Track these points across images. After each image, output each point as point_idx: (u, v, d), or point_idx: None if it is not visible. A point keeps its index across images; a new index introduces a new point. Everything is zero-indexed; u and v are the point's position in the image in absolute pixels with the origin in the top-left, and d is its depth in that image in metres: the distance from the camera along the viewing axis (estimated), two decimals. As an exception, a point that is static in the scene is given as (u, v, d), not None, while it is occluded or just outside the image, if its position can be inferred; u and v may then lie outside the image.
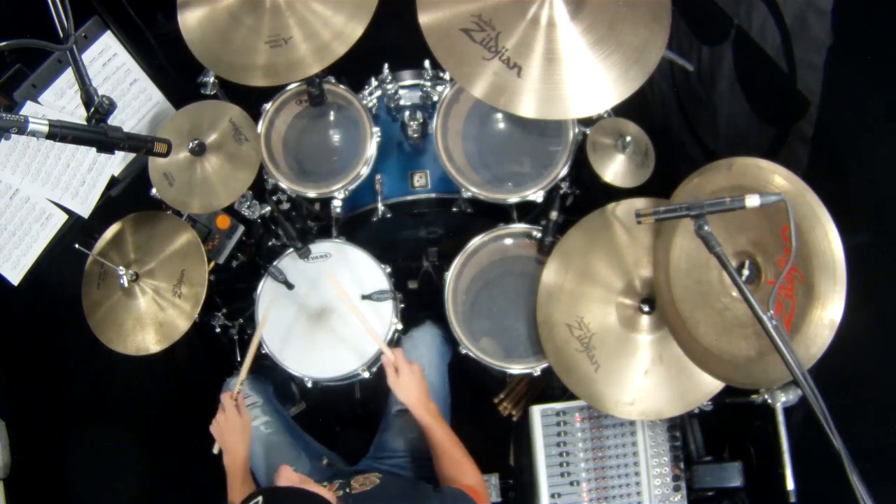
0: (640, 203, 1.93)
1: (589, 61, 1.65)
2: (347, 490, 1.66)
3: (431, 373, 2.11)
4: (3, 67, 1.92)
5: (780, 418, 1.70)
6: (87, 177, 2.06)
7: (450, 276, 2.14)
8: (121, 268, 2.01)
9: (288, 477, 1.42)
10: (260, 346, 2.18)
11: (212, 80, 2.05)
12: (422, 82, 2.29)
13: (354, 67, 2.08)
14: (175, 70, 2.43)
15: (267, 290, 2.19)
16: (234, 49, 1.88)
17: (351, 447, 2.31)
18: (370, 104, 2.22)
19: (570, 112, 1.67)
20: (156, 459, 2.53)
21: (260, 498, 1.26)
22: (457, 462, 1.80)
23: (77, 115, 1.99)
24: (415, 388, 1.86)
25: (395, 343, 2.22)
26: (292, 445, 2.15)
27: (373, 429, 2.27)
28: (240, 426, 1.88)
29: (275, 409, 2.23)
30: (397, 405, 2.11)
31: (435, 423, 1.84)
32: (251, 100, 2.13)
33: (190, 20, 1.92)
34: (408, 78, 2.33)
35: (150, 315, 2.04)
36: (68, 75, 1.97)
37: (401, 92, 2.29)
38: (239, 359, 2.53)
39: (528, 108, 1.65)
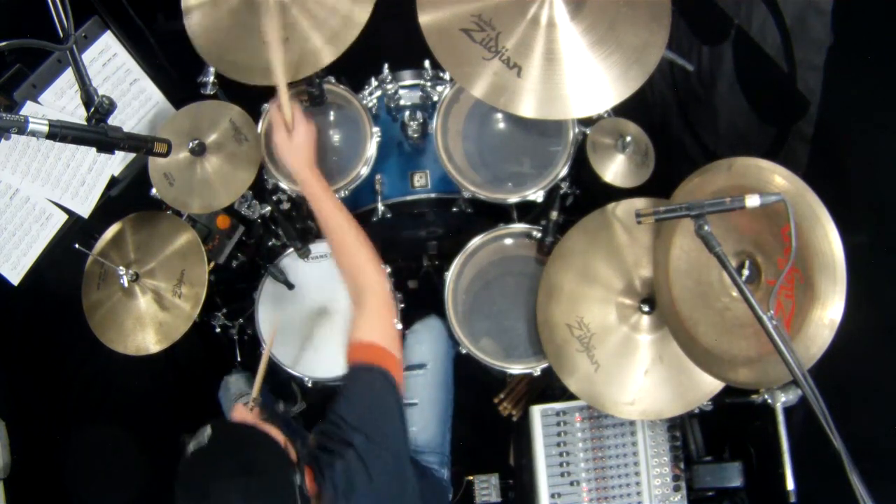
0: (640, 203, 1.93)
1: (589, 61, 1.65)
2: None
3: (437, 367, 2.11)
4: (3, 67, 1.92)
5: (780, 418, 1.70)
6: (87, 177, 2.06)
7: (450, 276, 2.14)
8: (121, 268, 2.01)
9: (241, 414, 1.43)
10: (260, 345, 2.18)
11: (212, 79, 2.05)
12: (422, 82, 2.29)
13: (354, 67, 2.08)
14: (175, 70, 2.43)
15: (269, 305, 2.16)
16: (246, 49, 1.87)
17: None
18: (370, 104, 2.22)
19: (570, 112, 1.67)
20: (156, 459, 2.52)
21: (208, 427, 1.26)
22: (352, 254, 1.66)
23: (77, 115, 1.99)
24: (307, 148, 1.72)
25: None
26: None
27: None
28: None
29: (271, 407, 2.23)
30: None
31: (322, 192, 1.69)
32: (251, 100, 2.13)
33: (195, 19, 1.92)
34: (408, 78, 2.33)
35: (150, 315, 2.04)
36: (68, 75, 1.97)
37: (401, 92, 2.29)
38: (239, 358, 2.53)
39: (528, 108, 1.65)
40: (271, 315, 2.20)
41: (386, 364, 1.49)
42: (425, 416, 2.06)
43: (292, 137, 1.74)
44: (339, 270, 1.69)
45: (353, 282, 1.65)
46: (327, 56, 1.81)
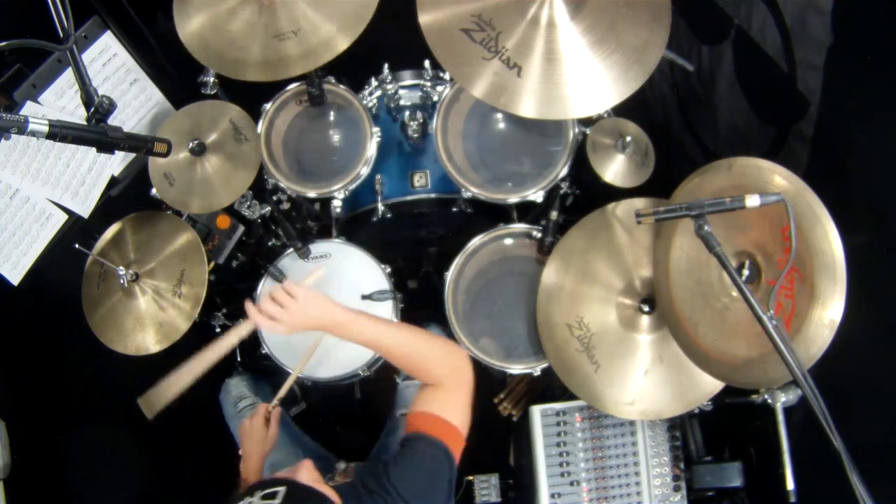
0: (640, 203, 1.93)
1: (589, 61, 1.65)
2: (330, 483, 1.62)
3: None
4: (3, 67, 1.92)
5: (780, 418, 1.70)
6: (87, 177, 2.06)
7: (450, 276, 2.14)
8: (121, 268, 2.01)
9: (309, 473, 1.37)
10: (260, 345, 2.18)
11: (212, 79, 2.05)
12: (422, 82, 2.29)
13: (354, 67, 2.08)
14: (175, 70, 2.43)
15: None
16: (260, 48, 1.88)
17: (351, 447, 2.31)
18: (370, 104, 2.22)
19: (571, 112, 1.67)
20: (156, 459, 2.52)
21: (283, 489, 1.23)
22: (428, 359, 1.53)
23: (77, 115, 1.99)
24: (324, 303, 1.49)
25: None
26: (290, 445, 2.15)
27: (373, 429, 2.27)
28: (260, 437, 1.83)
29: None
30: (402, 408, 2.10)
31: (370, 321, 1.50)
32: (251, 100, 2.13)
33: (186, 18, 1.92)
34: (408, 78, 2.33)
35: (150, 315, 2.04)
36: (68, 75, 1.97)
37: (401, 92, 2.29)
38: (239, 359, 2.53)
39: (528, 108, 1.65)
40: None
41: (453, 445, 1.46)
42: None
43: (297, 302, 1.51)
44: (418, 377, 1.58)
45: (435, 374, 1.54)
46: (342, 42, 1.81)
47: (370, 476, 1.43)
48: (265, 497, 1.21)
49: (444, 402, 1.49)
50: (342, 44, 1.81)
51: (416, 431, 1.46)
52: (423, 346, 1.54)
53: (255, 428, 1.84)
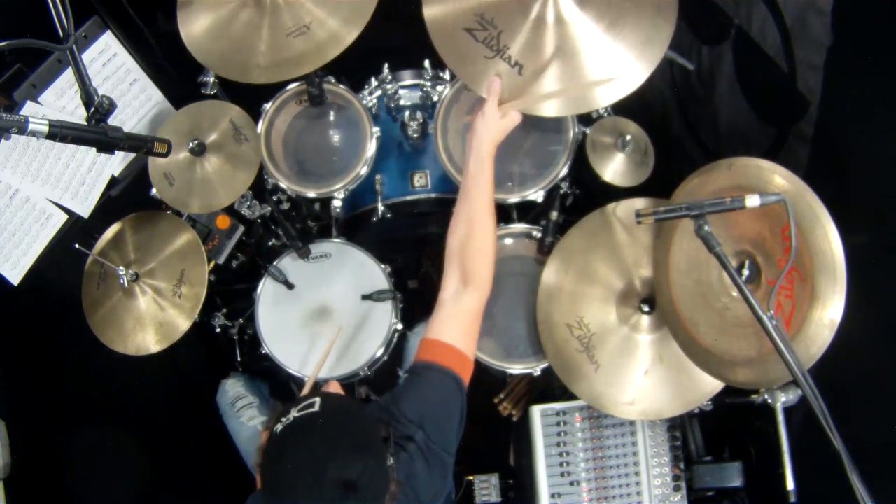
0: (640, 203, 1.93)
1: (589, 59, 1.65)
2: None
3: None
4: (3, 67, 1.92)
5: (780, 418, 1.70)
6: (87, 177, 2.06)
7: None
8: (121, 268, 2.01)
9: (336, 388, 1.47)
10: (260, 345, 2.18)
11: (212, 79, 2.05)
12: (422, 82, 2.29)
13: (354, 67, 2.08)
14: (175, 70, 2.42)
15: (269, 305, 2.17)
16: (267, 49, 1.88)
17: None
18: (370, 104, 2.22)
19: (598, 102, 1.67)
20: (156, 459, 2.52)
21: (318, 399, 1.28)
22: (485, 231, 1.62)
23: (77, 115, 1.99)
24: (502, 133, 1.66)
25: (400, 341, 2.21)
26: None
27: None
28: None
29: (271, 408, 2.23)
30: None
31: (490, 172, 1.64)
32: (251, 100, 2.13)
33: (189, 20, 1.92)
34: (408, 78, 2.33)
35: (150, 315, 2.04)
36: (68, 75, 1.97)
37: (401, 92, 2.29)
38: (238, 358, 2.53)
39: (549, 107, 1.66)
40: (271, 315, 2.20)
41: (462, 371, 1.53)
42: None
43: (501, 119, 1.65)
44: (458, 240, 1.64)
45: (469, 258, 1.61)
46: (350, 35, 1.80)
47: (378, 408, 1.49)
48: (302, 409, 1.26)
49: (457, 328, 1.57)
50: (350, 36, 1.80)
51: (427, 360, 1.52)
52: (491, 215, 1.63)
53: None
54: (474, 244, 1.62)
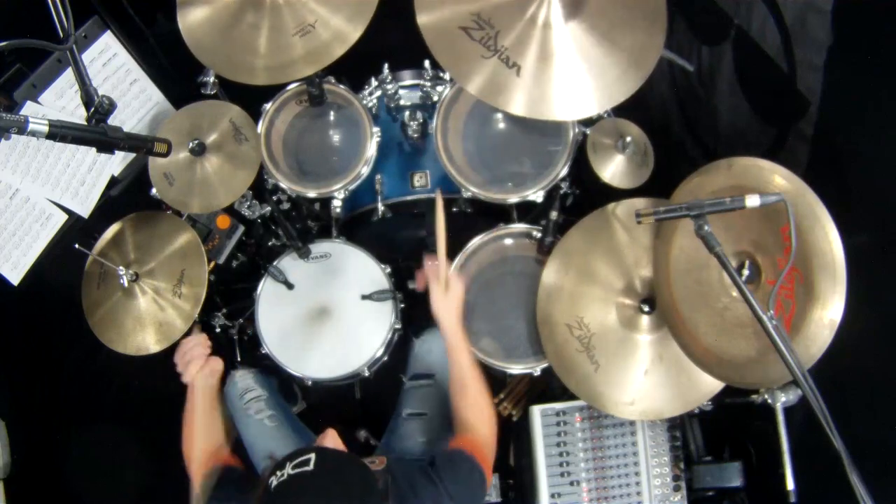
0: (640, 203, 1.93)
1: (582, 63, 1.66)
2: None
3: (445, 378, 2.10)
4: (3, 67, 1.92)
5: (780, 418, 1.70)
6: (87, 177, 2.06)
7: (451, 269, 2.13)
8: (121, 268, 2.01)
9: (334, 440, 1.47)
10: (260, 345, 2.18)
11: (212, 79, 2.05)
12: (422, 82, 2.29)
13: (354, 67, 2.07)
14: (175, 70, 2.43)
15: (269, 305, 2.20)
16: (237, 48, 1.87)
17: (351, 448, 2.31)
18: (370, 104, 2.22)
19: (555, 114, 1.67)
20: (156, 459, 2.52)
21: (312, 456, 1.28)
22: (473, 401, 1.77)
23: (77, 115, 1.99)
24: (456, 306, 1.85)
25: (404, 344, 2.21)
26: (295, 440, 2.15)
27: (373, 429, 2.26)
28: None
29: (278, 403, 2.22)
30: (408, 409, 2.10)
31: (463, 346, 1.82)
32: (251, 100, 2.13)
33: (190, 21, 1.92)
34: (408, 78, 2.33)
35: (150, 315, 2.04)
36: (68, 75, 1.97)
37: (401, 92, 2.29)
38: (238, 358, 2.53)
39: (524, 107, 1.65)
40: (271, 315, 2.19)
41: (486, 472, 1.61)
42: (434, 428, 2.06)
43: (448, 293, 1.85)
44: (453, 413, 1.80)
45: (464, 420, 1.76)
46: (353, 35, 1.81)
47: (418, 472, 1.55)
48: (297, 466, 1.26)
49: (481, 441, 1.69)
50: (354, 34, 1.80)
51: (464, 451, 1.61)
52: (478, 391, 1.78)
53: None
54: (461, 406, 1.77)
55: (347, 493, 1.26)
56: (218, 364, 1.94)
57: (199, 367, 1.89)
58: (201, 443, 1.83)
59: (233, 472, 1.76)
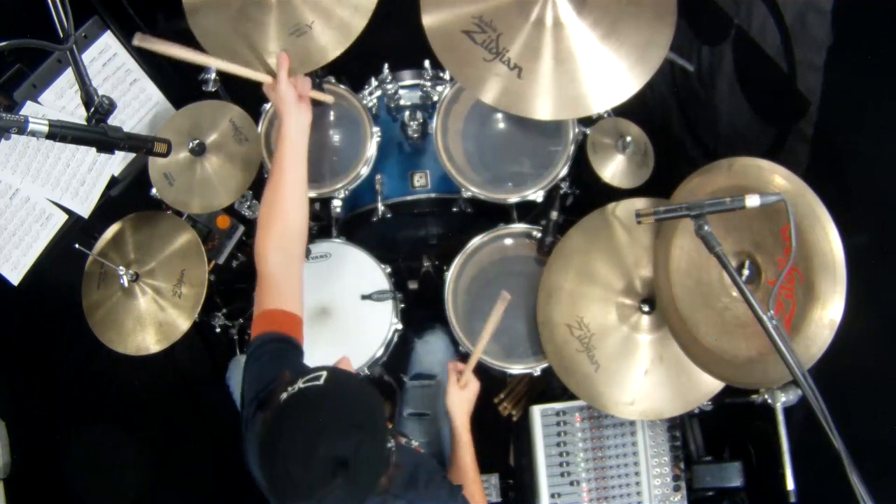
0: (640, 203, 1.93)
1: (588, 64, 1.65)
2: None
3: (446, 378, 2.10)
4: (3, 67, 1.92)
5: (780, 418, 1.69)
6: (87, 177, 2.06)
7: (450, 276, 2.14)
8: (121, 268, 2.01)
9: (347, 364, 1.49)
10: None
11: (213, 77, 2.05)
12: (422, 82, 2.29)
13: (354, 67, 2.08)
14: (175, 70, 2.43)
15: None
16: (252, 45, 1.87)
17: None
18: (370, 104, 2.22)
19: (591, 108, 1.68)
20: (156, 459, 2.53)
21: (324, 373, 1.27)
22: (469, 484, 1.78)
23: (77, 115, 2.00)
24: (469, 403, 1.87)
25: (404, 344, 2.21)
26: None
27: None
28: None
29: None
30: (410, 408, 2.10)
31: (469, 441, 1.84)
32: (251, 100, 2.13)
33: (200, 20, 1.91)
34: (408, 78, 2.33)
35: (150, 315, 2.04)
36: (68, 75, 1.97)
37: (401, 92, 2.29)
38: (238, 352, 2.53)
39: (542, 109, 1.66)
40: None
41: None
42: (435, 429, 2.06)
43: (466, 388, 1.87)
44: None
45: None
46: (337, 49, 1.79)
47: (441, 478, 1.57)
48: (308, 381, 1.26)
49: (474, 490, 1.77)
50: (359, 24, 1.78)
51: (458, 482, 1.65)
52: (475, 475, 1.82)
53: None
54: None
55: (353, 412, 1.25)
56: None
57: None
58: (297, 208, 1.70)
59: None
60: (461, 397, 1.85)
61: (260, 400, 1.44)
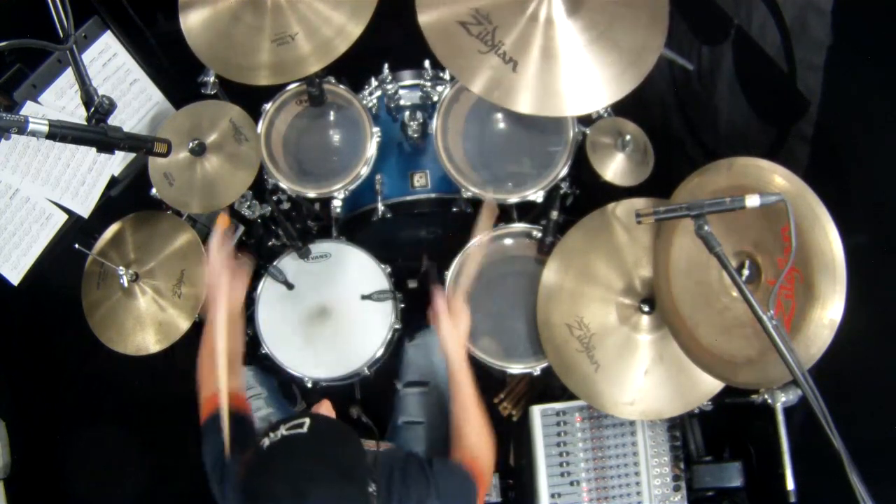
0: (640, 203, 1.93)
1: (585, 59, 1.65)
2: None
3: (440, 384, 2.09)
4: (3, 67, 1.92)
5: (780, 418, 1.69)
6: (87, 177, 2.06)
7: (450, 276, 2.13)
8: (121, 268, 2.01)
9: (328, 409, 1.49)
10: (259, 346, 2.18)
11: (212, 79, 2.05)
12: (422, 82, 2.29)
13: (354, 67, 2.07)
14: (175, 70, 2.43)
15: (269, 305, 2.18)
16: (237, 49, 1.87)
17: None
18: (370, 104, 2.22)
19: (565, 109, 1.67)
20: (156, 459, 2.52)
21: (307, 420, 1.29)
22: (476, 429, 1.71)
23: (77, 115, 1.99)
24: (463, 337, 1.81)
25: (400, 345, 2.22)
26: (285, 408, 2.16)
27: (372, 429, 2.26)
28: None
29: (277, 401, 2.22)
30: (404, 416, 2.09)
31: (468, 379, 1.76)
32: (251, 100, 2.13)
33: (192, 21, 1.92)
34: (408, 78, 2.33)
35: (150, 315, 2.04)
36: (68, 75, 1.97)
37: (401, 92, 2.29)
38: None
39: (523, 103, 1.65)
40: (271, 315, 2.20)
41: (479, 491, 1.57)
42: (432, 437, 2.05)
43: (456, 325, 1.80)
44: (454, 435, 1.74)
45: (467, 444, 1.70)
46: (315, 65, 1.81)
47: (413, 464, 1.53)
48: (291, 428, 1.28)
49: (480, 465, 1.64)
50: (356, 30, 1.79)
51: (462, 464, 1.58)
52: (479, 414, 1.71)
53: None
54: (461, 424, 1.70)
55: (336, 460, 1.27)
56: (244, 275, 1.84)
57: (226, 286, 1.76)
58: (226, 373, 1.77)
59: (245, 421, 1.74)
60: (454, 332, 1.78)
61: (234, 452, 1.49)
